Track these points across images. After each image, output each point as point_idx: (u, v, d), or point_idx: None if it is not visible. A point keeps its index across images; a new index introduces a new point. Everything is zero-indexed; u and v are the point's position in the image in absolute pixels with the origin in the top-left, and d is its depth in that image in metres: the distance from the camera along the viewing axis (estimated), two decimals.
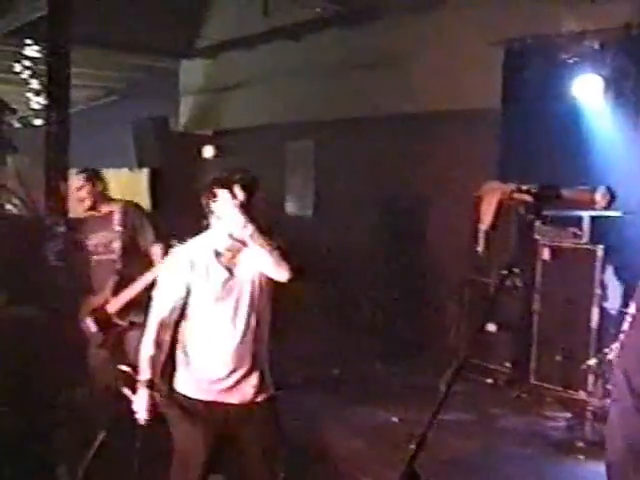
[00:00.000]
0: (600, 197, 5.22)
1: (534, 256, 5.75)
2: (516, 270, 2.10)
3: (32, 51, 9.90)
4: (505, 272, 2.09)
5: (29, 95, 11.29)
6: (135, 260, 4.19)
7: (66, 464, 3.56)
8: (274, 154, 9.21)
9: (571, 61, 5.79)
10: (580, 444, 4.73)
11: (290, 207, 9.33)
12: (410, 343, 6.83)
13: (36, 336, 3.99)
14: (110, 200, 4.35)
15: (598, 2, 5.59)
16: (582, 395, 5.17)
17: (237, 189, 2.85)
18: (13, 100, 9.55)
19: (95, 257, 4.30)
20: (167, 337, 2.94)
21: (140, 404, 2.88)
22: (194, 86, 11.22)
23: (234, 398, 2.93)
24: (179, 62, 11.39)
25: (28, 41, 9.79)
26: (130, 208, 4.32)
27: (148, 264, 4.07)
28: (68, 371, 4.36)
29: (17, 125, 11.37)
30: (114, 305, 4.14)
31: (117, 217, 4.22)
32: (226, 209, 2.87)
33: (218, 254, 2.93)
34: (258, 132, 9.70)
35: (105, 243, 4.24)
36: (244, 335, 2.92)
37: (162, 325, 2.93)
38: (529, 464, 4.52)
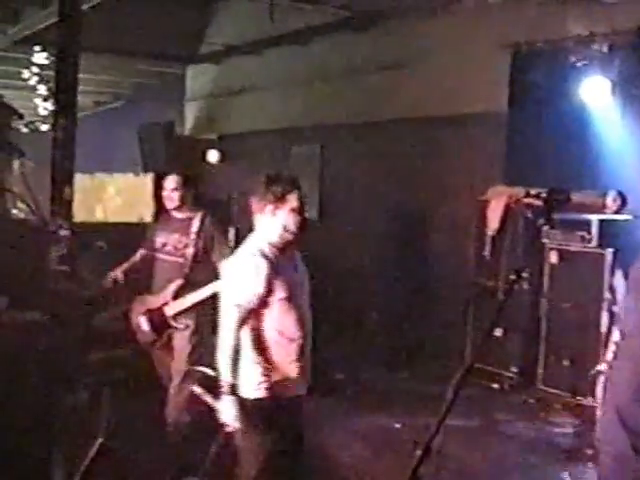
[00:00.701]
0: (611, 201, 5.18)
1: (541, 260, 5.70)
2: (525, 274, 2.06)
3: (40, 58, 9.95)
4: (514, 277, 2.05)
5: (37, 101, 11.35)
6: (202, 269, 4.24)
7: (63, 471, 3.54)
8: (280, 158, 9.20)
9: (579, 64, 5.75)
10: (588, 451, 4.67)
11: None
12: (414, 349, 6.79)
13: (38, 341, 3.97)
14: (193, 207, 4.40)
15: (607, 5, 5.56)
16: (590, 401, 5.11)
17: (293, 198, 2.91)
18: (21, 106, 9.59)
19: (160, 255, 4.35)
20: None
21: (228, 412, 2.82)
22: (200, 91, 11.24)
23: (294, 392, 2.97)
24: (185, 67, 11.42)
25: (36, 48, 9.84)
26: (209, 218, 4.36)
27: (213, 274, 4.09)
28: (69, 376, 4.33)
29: (24, 130, 11.44)
30: (174, 307, 4.18)
31: (195, 224, 4.29)
32: (281, 215, 2.91)
33: (280, 250, 2.93)
34: (264, 136, 9.69)
35: (176, 246, 4.29)
36: (309, 330, 2.98)
37: (240, 328, 2.86)
38: (535, 471, 4.47)
